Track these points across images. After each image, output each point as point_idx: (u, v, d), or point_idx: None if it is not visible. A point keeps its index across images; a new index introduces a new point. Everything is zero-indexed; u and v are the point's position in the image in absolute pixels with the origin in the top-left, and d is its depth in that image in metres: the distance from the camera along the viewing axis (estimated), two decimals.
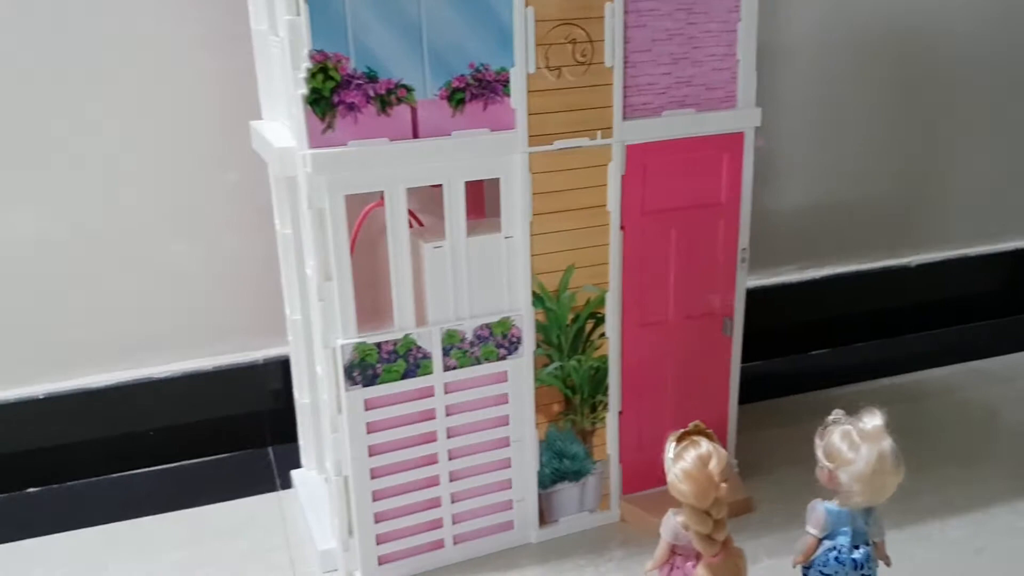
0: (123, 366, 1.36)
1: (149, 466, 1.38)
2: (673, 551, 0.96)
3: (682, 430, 0.94)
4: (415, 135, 1.00)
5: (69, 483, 1.35)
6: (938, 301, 1.78)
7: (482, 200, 1.16)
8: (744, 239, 1.19)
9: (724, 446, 1.23)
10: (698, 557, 0.94)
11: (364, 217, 1.09)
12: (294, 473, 1.30)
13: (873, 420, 0.93)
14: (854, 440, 0.93)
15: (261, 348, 1.40)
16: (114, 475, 1.37)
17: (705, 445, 0.92)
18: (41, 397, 1.33)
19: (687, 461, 0.91)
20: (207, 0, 1.25)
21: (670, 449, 0.94)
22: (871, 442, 0.92)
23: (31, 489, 1.34)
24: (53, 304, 1.31)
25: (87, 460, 1.36)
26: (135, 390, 1.36)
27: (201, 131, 1.30)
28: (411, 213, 1.10)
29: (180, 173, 1.31)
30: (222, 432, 1.41)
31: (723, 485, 0.91)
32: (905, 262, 1.75)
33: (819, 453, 0.95)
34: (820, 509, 0.97)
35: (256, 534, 1.22)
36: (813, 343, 1.72)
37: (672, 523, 0.95)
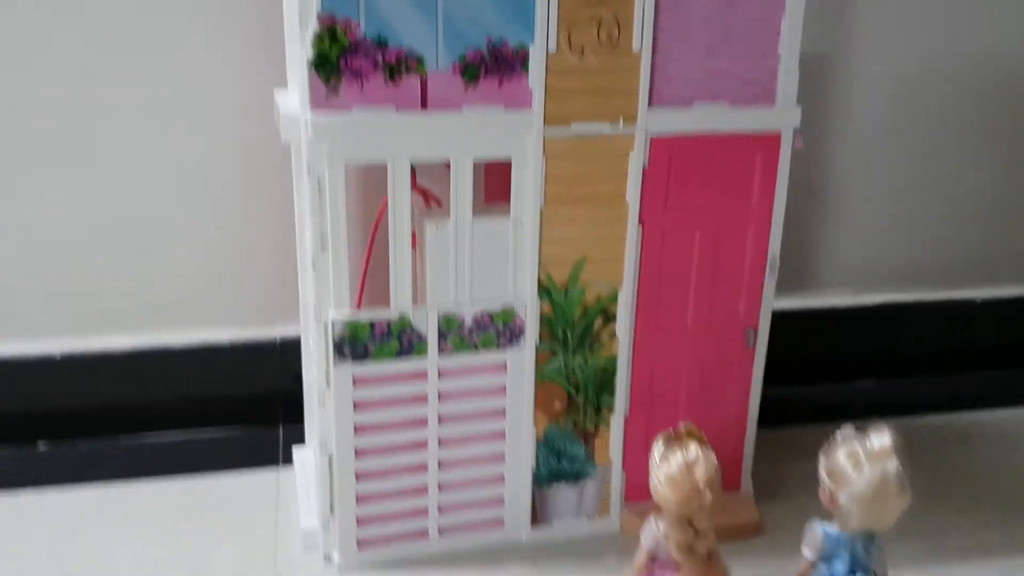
0: (143, 334, 1.35)
1: (158, 431, 1.37)
2: (653, 560, 0.91)
3: (671, 430, 0.89)
4: (424, 107, 0.97)
5: (78, 440, 1.35)
6: (1002, 340, 1.68)
7: (508, 183, 1.12)
8: (775, 246, 1.12)
9: (739, 462, 1.18)
10: (678, 569, 0.88)
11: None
12: (295, 449, 1.27)
13: (880, 439, 0.87)
14: (859, 459, 0.87)
15: (280, 325, 1.38)
16: (124, 436, 1.36)
17: (693, 449, 0.87)
18: (58, 358, 1.33)
19: (671, 465, 0.87)
20: None
21: (656, 450, 0.89)
22: (875, 462, 0.86)
23: (42, 443, 1.34)
24: (82, 268, 1.31)
25: (102, 421, 1.35)
26: (152, 358, 1.36)
27: (233, 99, 1.28)
28: (430, 193, 1.07)
29: (212, 142, 1.30)
30: (236, 407, 1.39)
31: (708, 493, 0.86)
32: (970, 296, 1.65)
33: (822, 471, 0.90)
34: (817, 531, 0.91)
35: (246, 508, 1.20)
36: (862, 372, 1.63)
37: (652, 530, 0.90)
